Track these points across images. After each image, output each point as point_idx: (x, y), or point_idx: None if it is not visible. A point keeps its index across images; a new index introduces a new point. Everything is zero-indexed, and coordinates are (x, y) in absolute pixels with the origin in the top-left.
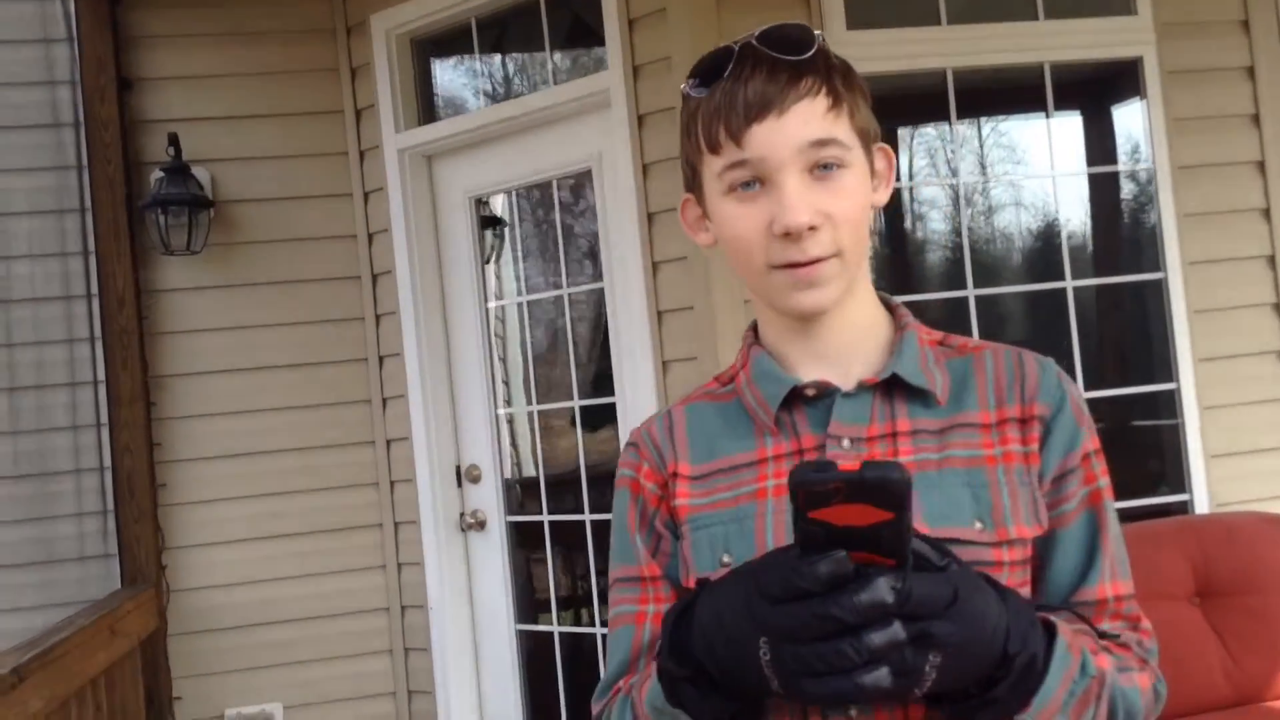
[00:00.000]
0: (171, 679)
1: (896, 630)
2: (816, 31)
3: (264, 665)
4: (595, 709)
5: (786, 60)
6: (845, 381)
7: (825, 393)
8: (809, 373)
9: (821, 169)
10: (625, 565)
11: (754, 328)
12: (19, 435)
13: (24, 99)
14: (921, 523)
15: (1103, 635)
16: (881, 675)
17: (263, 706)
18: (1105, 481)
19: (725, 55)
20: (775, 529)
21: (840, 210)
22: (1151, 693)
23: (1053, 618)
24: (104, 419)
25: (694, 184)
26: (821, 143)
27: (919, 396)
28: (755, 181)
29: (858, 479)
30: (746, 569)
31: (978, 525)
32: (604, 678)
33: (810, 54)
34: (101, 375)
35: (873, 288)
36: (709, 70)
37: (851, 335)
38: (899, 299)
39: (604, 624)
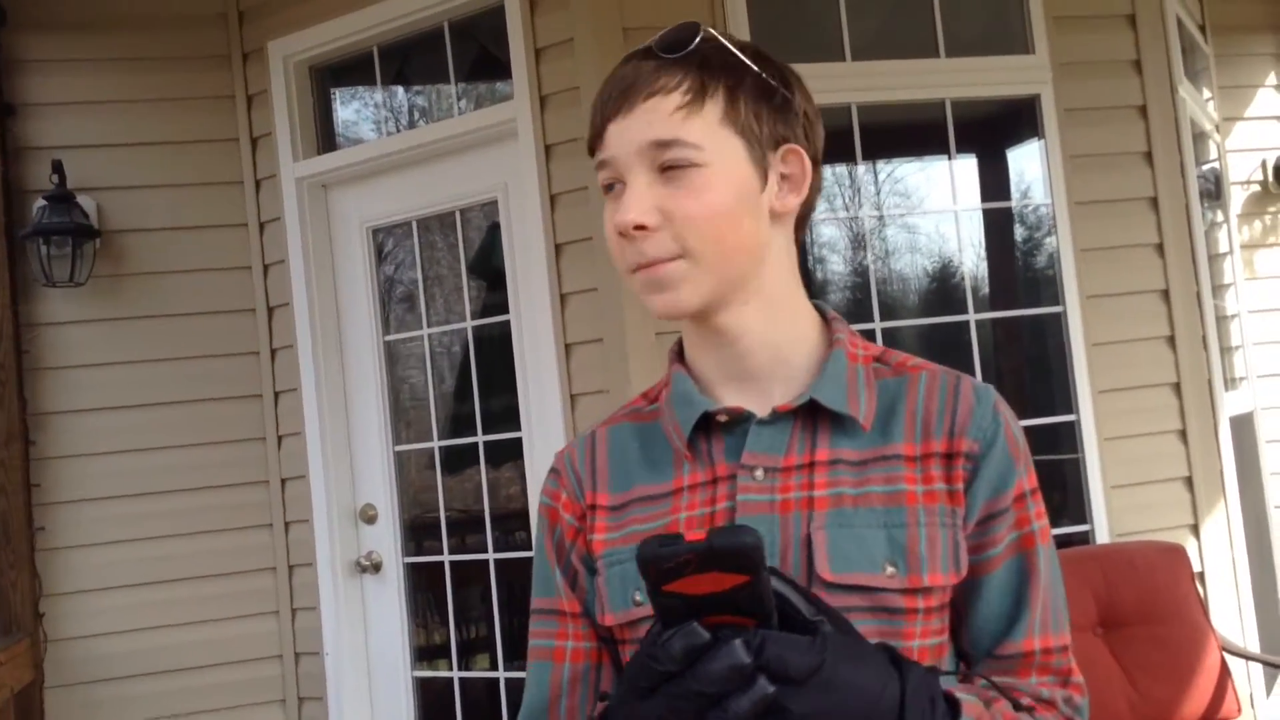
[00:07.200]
0: None
1: (764, 686)
2: (713, 30)
3: (148, 718)
4: None
5: (659, 58)
6: (764, 406)
7: (739, 419)
8: (728, 394)
9: (670, 168)
10: (545, 597)
11: (680, 342)
12: None
13: None
14: (826, 567)
15: (1015, 699)
16: None
17: None
18: (1041, 524)
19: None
20: None
21: (684, 210)
22: None
23: (959, 695)
24: None
25: None
26: (663, 143)
27: (842, 422)
28: (616, 182)
29: (706, 549)
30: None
31: (889, 570)
32: (521, 714)
33: (683, 51)
34: None
35: (805, 302)
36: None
37: (769, 355)
38: None
39: (509, 667)
